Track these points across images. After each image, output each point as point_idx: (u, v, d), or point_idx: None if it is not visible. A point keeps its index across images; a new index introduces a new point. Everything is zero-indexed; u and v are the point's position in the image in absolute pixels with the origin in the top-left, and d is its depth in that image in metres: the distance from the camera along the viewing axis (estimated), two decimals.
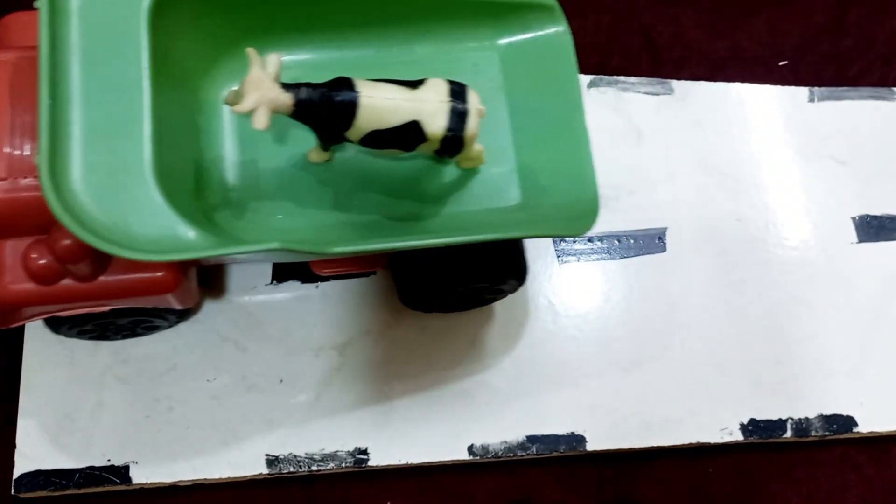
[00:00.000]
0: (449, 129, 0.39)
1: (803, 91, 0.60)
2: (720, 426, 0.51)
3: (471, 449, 0.50)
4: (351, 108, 0.38)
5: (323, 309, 0.51)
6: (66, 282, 0.40)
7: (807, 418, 0.52)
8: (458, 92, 0.40)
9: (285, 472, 0.49)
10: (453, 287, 0.47)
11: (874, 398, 0.52)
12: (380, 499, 0.50)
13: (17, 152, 0.38)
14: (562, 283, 0.53)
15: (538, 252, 0.54)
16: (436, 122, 0.39)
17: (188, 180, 0.40)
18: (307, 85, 0.38)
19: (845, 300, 0.54)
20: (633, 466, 0.52)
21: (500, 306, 0.52)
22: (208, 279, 0.51)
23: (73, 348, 0.50)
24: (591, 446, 0.50)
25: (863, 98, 0.60)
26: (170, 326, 0.50)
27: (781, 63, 0.62)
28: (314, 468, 0.49)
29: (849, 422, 0.52)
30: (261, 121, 0.37)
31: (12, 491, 0.47)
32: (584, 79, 0.58)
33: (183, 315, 0.49)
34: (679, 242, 0.55)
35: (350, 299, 0.52)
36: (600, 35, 0.61)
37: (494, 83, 0.45)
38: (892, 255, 0.56)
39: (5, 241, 0.40)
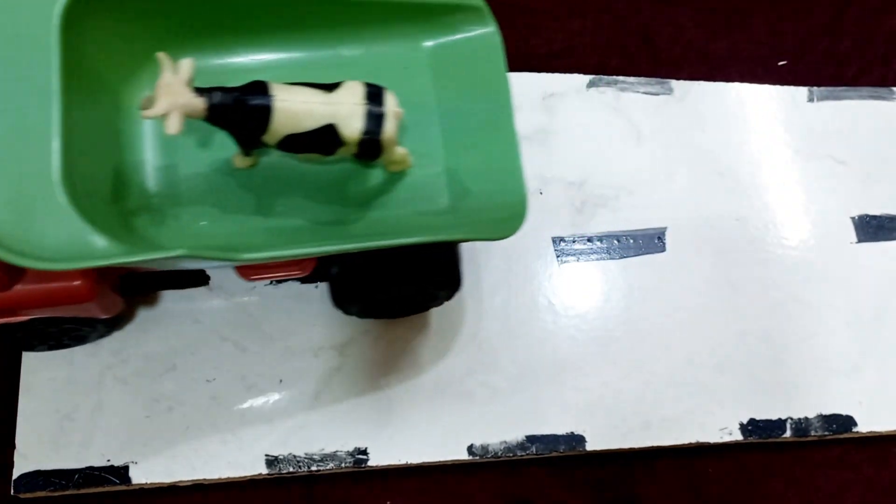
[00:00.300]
0: (365, 132, 0.39)
1: (802, 91, 0.60)
2: (720, 426, 0.51)
3: (470, 449, 0.50)
4: (265, 112, 0.38)
5: (322, 309, 0.51)
6: None
7: (806, 418, 0.52)
8: (374, 94, 0.40)
9: (285, 472, 0.49)
10: (380, 292, 0.46)
11: (873, 398, 0.52)
12: (379, 499, 0.50)
13: None
14: (561, 283, 0.53)
15: (538, 252, 0.54)
16: (351, 126, 0.39)
17: (105, 187, 0.40)
18: (220, 89, 0.38)
19: (844, 300, 0.54)
20: (632, 466, 0.52)
21: (500, 306, 0.52)
22: (207, 278, 0.51)
23: (72, 349, 0.50)
24: (590, 446, 0.50)
25: (862, 98, 0.60)
26: (99, 336, 0.49)
27: (781, 63, 0.62)
28: (314, 468, 0.49)
29: (848, 422, 0.52)
30: (173, 126, 0.37)
31: (12, 491, 0.47)
32: (584, 79, 0.58)
33: (112, 324, 0.48)
34: (678, 242, 0.55)
35: None
36: (600, 35, 0.61)
37: (424, 85, 0.45)
38: (892, 255, 0.56)
39: None
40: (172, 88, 0.37)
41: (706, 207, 0.56)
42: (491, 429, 0.50)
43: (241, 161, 0.43)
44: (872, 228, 0.56)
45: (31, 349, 0.49)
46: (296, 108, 0.39)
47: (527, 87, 0.58)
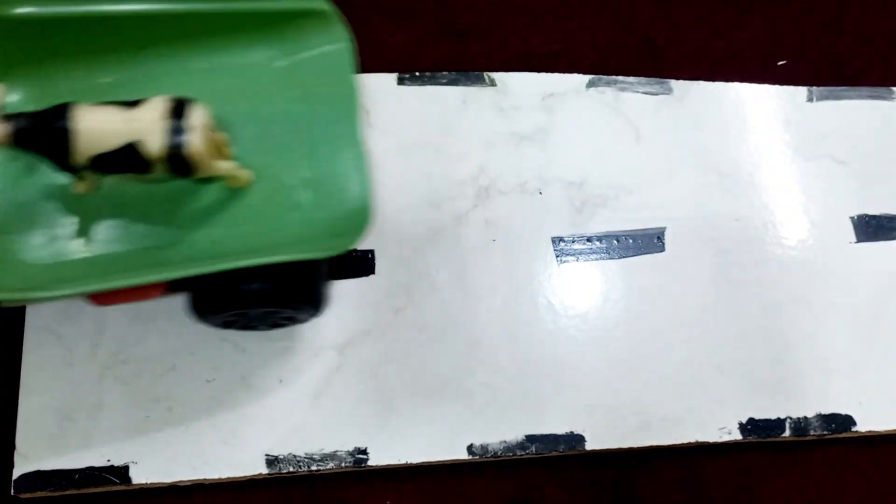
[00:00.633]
0: (168, 148, 0.39)
1: (802, 91, 0.60)
2: (719, 425, 0.51)
3: (470, 448, 0.50)
4: (65, 133, 0.38)
5: None
6: None
7: (805, 417, 0.52)
8: (177, 109, 0.39)
9: (285, 471, 0.49)
10: (233, 310, 0.45)
11: (872, 397, 0.52)
12: (379, 498, 0.50)
13: None
14: (561, 283, 0.53)
15: (537, 252, 0.54)
16: (152, 142, 0.39)
17: None
18: (24, 114, 0.38)
19: (844, 299, 0.54)
20: (632, 466, 0.52)
21: (499, 306, 0.52)
22: None
23: (72, 349, 0.50)
24: (590, 446, 0.50)
25: (861, 98, 0.60)
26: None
27: (780, 63, 0.62)
28: (314, 468, 0.49)
29: (847, 421, 0.52)
30: None
31: (12, 491, 0.47)
32: (583, 79, 0.58)
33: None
34: (678, 242, 0.55)
35: (350, 299, 0.52)
36: (599, 35, 0.62)
37: (273, 96, 0.45)
38: (891, 255, 0.56)
39: None
40: None
41: (706, 207, 0.56)
42: (491, 428, 0.50)
43: (79, 187, 0.42)
44: (871, 228, 0.56)
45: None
46: (97, 128, 0.38)
47: (526, 86, 0.58)
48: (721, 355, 0.53)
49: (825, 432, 0.52)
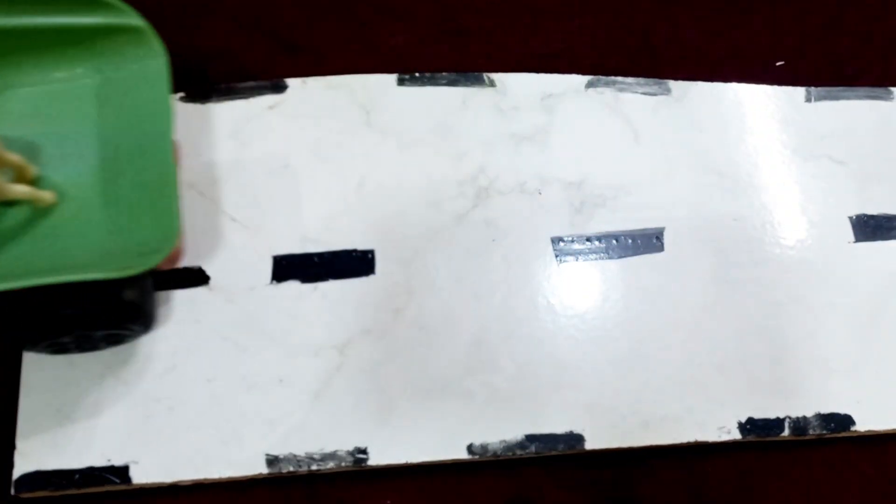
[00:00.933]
0: None
1: (800, 91, 0.60)
2: (718, 425, 0.51)
3: (470, 448, 0.50)
4: None
5: (323, 309, 0.51)
6: None
7: (804, 417, 0.52)
8: None
9: (285, 471, 0.49)
10: (40, 334, 0.44)
11: (871, 397, 0.52)
12: (379, 498, 0.50)
13: None
14: (560, 282, 0.53)
15: (537, 252, 0.54)
16: None
17: None
18: None
19: (842, 299, 0.55)
20: (631, 465, 0.52)
21: (499, 306, 0.52)
22: (207, 278, 0.52)
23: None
24: (589, 445, 0.50)
25: (860, 98, 0.60)
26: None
27: (779, 63, 0.62)
28: (314, 467, 0.49)
29: (846, 420, 0.52)
30: None
31: (12, 491, 0.47)
32: (582, 79, 0.58)
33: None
34: (677, 242, 0.55)
35: (350, 299, 0.52)
36: (598, 35, 0.62)
37: (87, 113, 0.44)
38: (890, 255, 0.56)
39: None
40: None
41: (704, 207, 0.56)
42: (490, 428, 0.50)
43: None
44: (870, 228, 0.56)
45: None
46: None
47: (526, 87, 0.58)
48: (720, 355, 0.53)
49: (824, 432, 0.52)
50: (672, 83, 0.59)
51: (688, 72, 0.60)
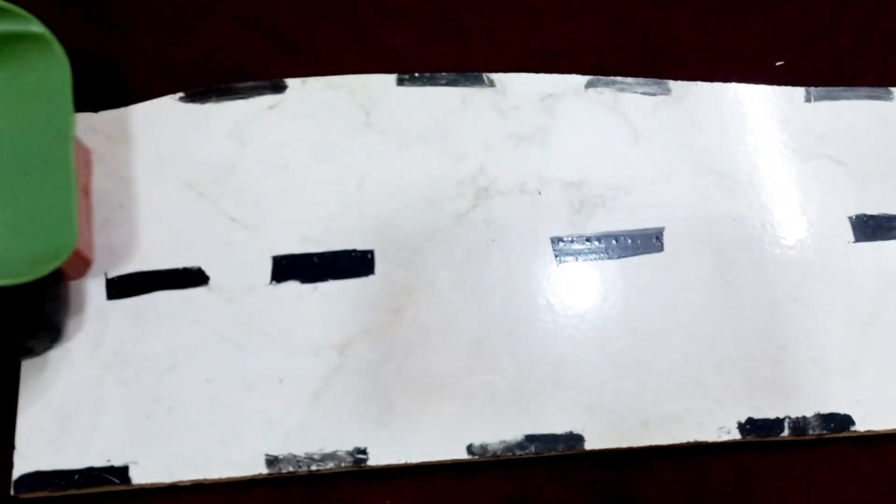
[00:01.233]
0: None
1: (800, 91, 0.60)
2: (718, 425, 0.51)
3: (470, 448, 0.50)
4: None
5: (322, 309, 0.51)
6: None
7: (804, 417, 0.52)
8: None
9: (285, 471, 0.49)
10: None
11: (871, 397, 0.53)
12: (379, 498, 0.50)
13: None
14: (560, 282, 0.53)
15: (536, 252, 0.54)
16: None
17: None
18: None
19: (842, 299, 0.55)
20: (631, 465, 0.52)
21: (498, 306, 0.52)
22: (207, 278, 0.52)
23: (71, 349, 0.50)
24: (589, 445, 0.50)
25: (860, 98, 0.60)
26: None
27: (778, 63, 0.62)
28: (313, 468, 0.49)
29: (846, 420, 0.52)
30: None
31: (12, 491, 0.47)
32: (582, 79, 0.58)
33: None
34: (676, 242, 0.55)
35: (350, 299, 0.52)
36: (598, 35, 0.62)
37: None
38: (889, 255, 0.56)
39: None
40: None
41: (704, 207, 0.56)
42: (490, 428, 0.50)
43: None
44: (870, 228, 0.56)
45: None
46: None
47: (525, 87, 0.58)
48: (720, 355, 0.53)
49: (824, 432, 0.52)
50: (672, 83, 0.59)
51: (687, 72, 0.60)
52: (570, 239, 0.54)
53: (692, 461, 0.52)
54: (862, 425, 0.52)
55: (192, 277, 0.52)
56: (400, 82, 0.57)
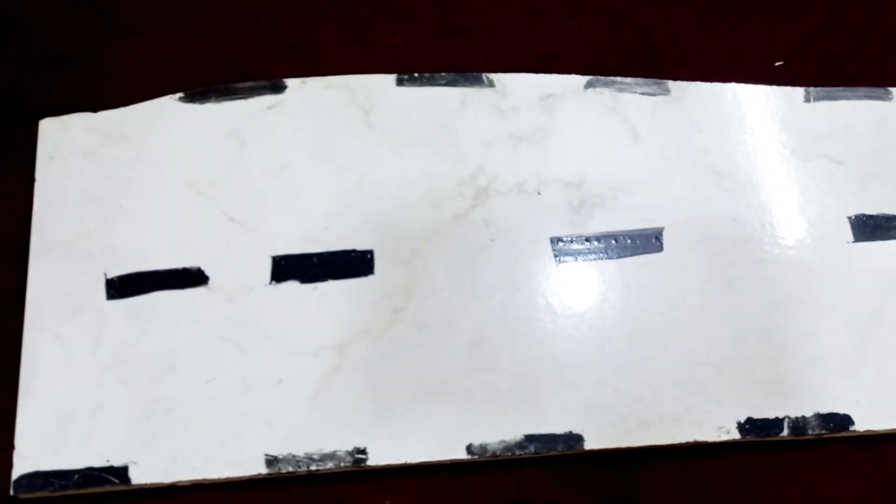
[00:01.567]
0: None
1: (799, 91, 0.60)
2: (717, 425, 0.51)
3: (469, 448, 0.50)
4: None
5: (322, 309, 0.51)
6: None
7: (803, 417, 0.52)
8: None
9: (284, 471, 0.49)
10: None
11: (870, 397, 0.52)
12: (379, 498, 0.50)
13: None
14: (559, 283, 0.53)
15: (536, 252, 0.54)
16: None
17: None
18: None
19: (842, 299, 0.55)
20: (630, 465, 0.52)
21: (498, 306, 0.52)
22: (207, 278, 0.52)
23: (71, 349, 0.50)
24: (588, 445, 0.50)
25: (859, 98, 0.60)
26: None
27: (777, 63, 0.62)
28: (313, 468, 0.49)
29: (845, 420, 0.52)
30: None
31: (11, 491, 0.47)
32: (581, 79, 0.58)
33: None
34: (676, 242, 0.55)
35: (349, 299, 0.52)
36: (597, 36, 0.62)
37: None
38: (889, 255, 0.56)
39: None
40: None
41: (703, 207, 0.56)
42: (490, 428, 0.50)
43: None
44: (869, 228, 0.56)
45: None
46: None
47: (525, 87, 0.58)
48: (719, 355, 0.53)
49: (823, 432, 0.52)
50: (671, 83, 0.59)
51: (687, 72, 0.60)
52: (569, 239, 0.54)
53: (692, 461, 0.52)
54: (861, 425, 0.52)
55: (192, 277, 0.52)
56: (399, 82, 0.57)
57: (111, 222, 0.53)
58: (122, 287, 0.51)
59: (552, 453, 0.50)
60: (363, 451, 0.49)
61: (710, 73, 0.60)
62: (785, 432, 0.52)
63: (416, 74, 0.58)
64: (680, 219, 0.55)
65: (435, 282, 0.53)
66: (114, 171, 0.54)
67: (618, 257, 0.54)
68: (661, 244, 0.55)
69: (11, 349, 0.50)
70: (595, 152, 0.57)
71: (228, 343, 0.51)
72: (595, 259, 0.54)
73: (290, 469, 0.49)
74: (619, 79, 0.59)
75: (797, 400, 0.52)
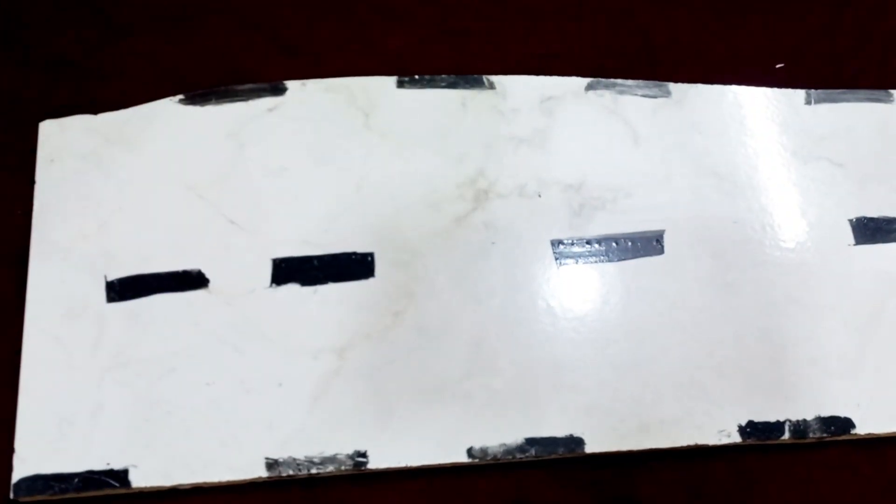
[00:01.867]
0: None
1: (800, 93, 0.60)
2: (718, 428, 0.51)
3: (470, 451, 0.50)
4: None
5: (322, 312, 0.51)
6: None
7: (804, 420, 0.52)
8: None
9: (284, 475, 0.49)
10: None
11: (871, 400, 0.52)
12: (379, 501, 0.50)
13: None
14: (560, 285, 0.53)
15: (536, 254, 0.54)
16: None
17: None
18: None
19: (842, 302, 0.55)
20: (631, 468, 0.52)
21: (498, 308, 0.52)
22: (207, 281, 0.51)
23: (71, 352, 0.50)
24: (589, 448, 0.50)
25: (859, 100, 0.60)
26: None
27: (778, 65, 0.62)
28: (313, 471, 0.49)
29: (846, 423, 0.52)
30: None
31: (11, 495, 0.47)
32: (582, 81, 0.58)
33: None
34: (676, 245, 0.55)
35: (349, 302, 0.52)
36: (597, 38, 0.62)
37: None
38: (889, 257, 0.56)
39: None
40: None
41: (704, 210, 0.56)
42: (490, 431, 0.50)
43: None
44: (870, 230, 0.56)
45: None
46: None
47: (525, 89, 0.58)
48: (720, 357, 0.53)
49: (824, 435, 0.52)
50: (672, 85, 0.59)
51: (687, 74, 0.60)
52: (569, 241, 0.54)
53: (692, 463, 0.52)
54: (862, 428, 0.52)
55: (192, 280, 0.52)
56: (399, 84, 0.57)
57: (111, 225, 0.53)
58: (122, 289, 0.51)
59: (553, 456, 0.50)
60: (363, 455, 0.49)
61: (710, 75, 0.60)
62: (786, 435, 0.51)
63: (416, 76, 0.58)
64: (680, 221, 0.55)
65: (435, 284, 0.53)
66: (114, 173, 0.54)
67: (618, 260, 0.54)
68: (662, 246, 0.55)
69: (11, 352, 0.50)
70: (595, 154, 0.57)
71: (228, 346, 0.51)
72: (595, 261, 0.54)
73: (291, 472, 0.49)
74: (619, 81, 0.59)
75: (798, 402, 0.52)
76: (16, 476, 0.47)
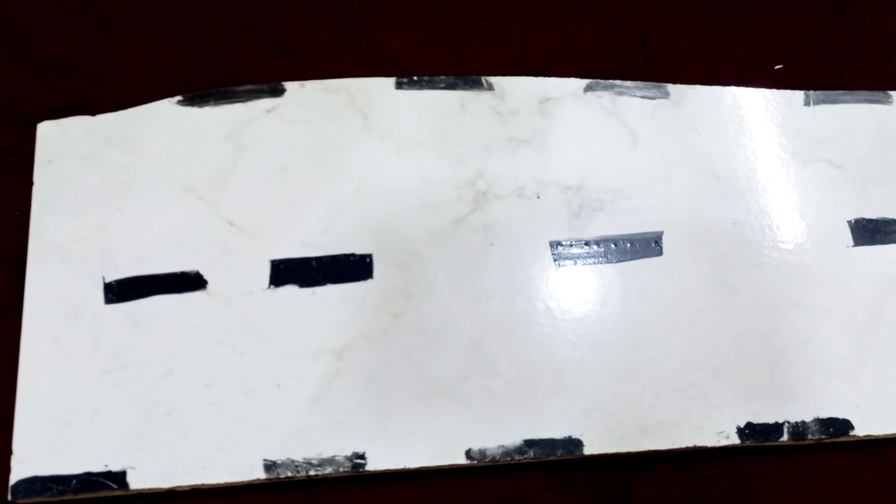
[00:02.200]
0: None
1: (799, 94, 0.60)
2: (717, 430, 0.51)
3: (468, 453, 0.50)
4: None
5: (321, 313, 0.51)
6: None
7: (803, 422, 0.52)
8: None
9: (283, 476, 0.49)
10: None
11: (870, 401, 0.52)
12: (377, 503, 0.50)
13: None
14: (559, 287, 0.53)
15: (535, 256, 0.54)
16: None
17: None
18: None
19: (841, 303, 0.54)
20: (630, 469, 0.52)
21: (497, 310, 0.52)
22: (205, 282, 0.51)
23: (69, 353, 0.50)
24: (588, 450, 0.50)
25: (858, 101, 0.60)
26: None
27: (777, 66, 0.62)
28: (312, 473, 0.49)
29: (845, 425, 0.52)
30: None
31: (9, 496, 0.47)
32: (581, 83, 0.58)
33: None
34: (675, 246, 0.55)
35: (348, 303, 0.52)
36: (596, 39, 0.62)
37: None
38: (888, 259, 0.56)
39: None
40: None
41: (703, 211, 0.56)
42: (489, 433, 0.50)
43: None
44: (869, 232, 0.56)
45: None
46: None
47: (524, 91, 0.58)
48: (719, 359, 0.53)
49: (823, 436, 0.52)
50: (670, 87, 0.59)
51: (686, 75, 0.60)
52: (568, 243, 0.54)
53: (691, 465, 0.52)
54: (861, 430, 0.52)
55: (190, 281, 0.52)
56: (398, 86, 0.57)
57: (109, 226, 0.53)
58: (121, 291, 0.51)
59: (551, 458, 0.50)
60: (362, 456, 0.49)
61: (709, 77, 0.60)
62: (785, 437, 0.51)
63: (415, 78, 0.58)
64: (679, 223, 0.55)
65: (434, 286, 0.52)
66: (112, 174, 0.54)
67: (617, 261, 0.54)
68: (661, 248, 0.55)
69: (9, 353, 0.50)
70: (594, 156, 0.57)
71: (227, 347, 0.50)
72: (594, 263, 0.54)
73: (289, 474, 0.49)
74: (618, 82, 0.59)
75: (797, 404, 0.52)
76: (14, 478, 0.47)
